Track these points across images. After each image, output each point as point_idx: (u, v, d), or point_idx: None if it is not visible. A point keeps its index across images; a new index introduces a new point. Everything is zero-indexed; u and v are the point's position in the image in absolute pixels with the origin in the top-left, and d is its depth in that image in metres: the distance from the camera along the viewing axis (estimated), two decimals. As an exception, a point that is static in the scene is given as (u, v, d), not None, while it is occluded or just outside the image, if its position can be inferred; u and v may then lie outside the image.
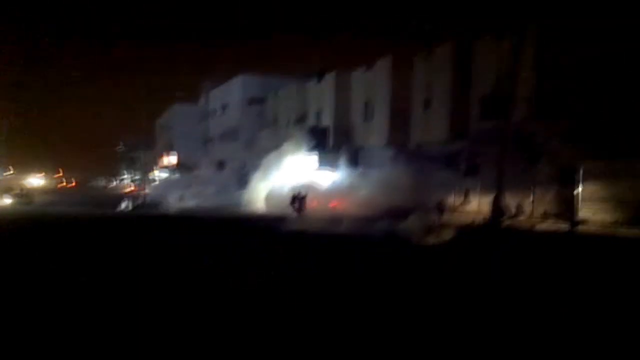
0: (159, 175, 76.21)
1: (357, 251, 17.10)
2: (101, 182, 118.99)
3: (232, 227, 25.57)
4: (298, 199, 29.13)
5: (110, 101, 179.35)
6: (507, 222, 23.81)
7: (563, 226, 23.32)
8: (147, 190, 48.13)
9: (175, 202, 38.88)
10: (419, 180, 28.92)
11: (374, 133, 36.59)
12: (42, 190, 68.75)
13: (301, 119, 45.35)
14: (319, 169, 36.38)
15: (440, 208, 25.22)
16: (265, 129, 49.82)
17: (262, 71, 57.60)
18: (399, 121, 34.26)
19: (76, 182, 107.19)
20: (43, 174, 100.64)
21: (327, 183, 34.55)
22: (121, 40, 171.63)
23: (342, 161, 34.98)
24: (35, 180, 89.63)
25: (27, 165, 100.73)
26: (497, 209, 24.14)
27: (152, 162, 77.44)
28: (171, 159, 72.63)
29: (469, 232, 22.12)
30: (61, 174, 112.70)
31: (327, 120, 41.42)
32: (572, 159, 25.06)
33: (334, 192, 32.49)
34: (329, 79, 41.88)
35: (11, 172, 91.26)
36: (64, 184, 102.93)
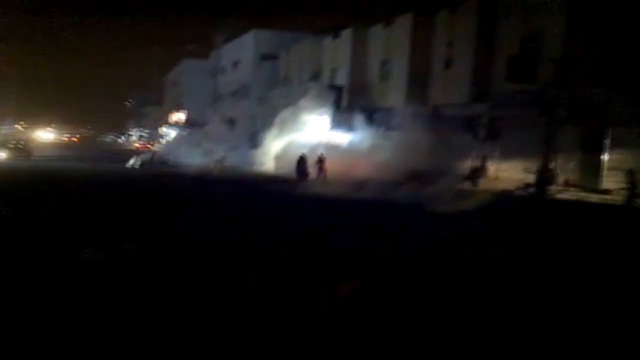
0: (167, 131, 75.35)
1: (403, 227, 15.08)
2: (109, 138, 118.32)
3: (246, 190, 24.83)
4: (318, 162, 28.13)
5: (120, 55, 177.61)
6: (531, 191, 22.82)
7: (590, 196, 22.43)
8: (156, 147, 47.19)
9: (185, 160, 38.13)
10: (438, 144, 27.83)
11: (391, 93, 35.34)
12: (48, 145, 68.16)
13: (315, 77, 44.02)
14: (332, 129, 35.32)
15: (475, 174, 23.71)
16: (278, 87, 48.67)
17: (276, 27, 55.83)
18: (418, 81, 32.97)
19: (80, 138, 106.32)
20: (53, 127, 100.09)
21: (342, 144, 33.51)
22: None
23: (357, 122, 33.76)
24: (45, 134, 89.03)
25: (39, 119, 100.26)
26: (543, 177, 23.02)
27: (161, 119, 76.44)
28: (180, 116, 71.68)
29: (511, 201, 20.30)
30: (71, 130, 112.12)
31: (342, 79, 40.06)
32: (599, 125, 23.96)
33: (349, 154, 31.41)
34: (346, 35, 40.42)
35: (22, 125, 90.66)
36: (71, 138, 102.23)
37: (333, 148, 32.03)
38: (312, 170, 28.14)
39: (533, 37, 26.98)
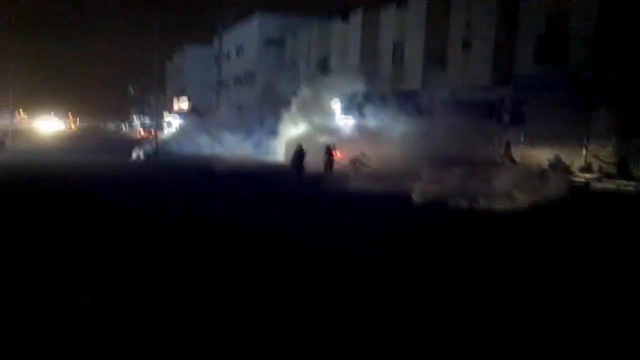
0: (169, 120, 73.86)
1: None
2: (111, 126, 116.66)
3: (258, 182, 23.28)
4: (327, 153, 25.94)
5: (121, 41, 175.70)
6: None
7: (630, 185, 20.83)
8: (160, 136, 45.38)
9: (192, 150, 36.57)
10: (458, 130, 26.10)
11: (406, 77, 33.55)
12: (48, 135, 66.61)
13: (323, 62, 42.25)
14: (344, 116, 33.66)
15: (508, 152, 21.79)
16: (284, 73, 46.90)
17: (280, 10, 53.91)
18: (435, 64, 31.20)
19: (77, 127, 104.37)
20: (53, 116, 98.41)
21: (354, 132, 31.87)
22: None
23: (370, 108, 32.02)
24: (46, 123, 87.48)
25: (39, 107, 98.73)
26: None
27: (163, 107, 74.77)
28: (182, 104, 70.08)
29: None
30: (71, 118, 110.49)
31: (352, 64, 38.20)
32: (634, 109, 22.29)
33: (361, 142, 29.76)
34: (355, 18, 38.56)
35: (21, 114, 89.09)
36: (70, 126, 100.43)
37: (343, 136, 30.46)
38: (320, 162, 25.84)
39: (561, 15, 25.19)
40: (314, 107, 32.51)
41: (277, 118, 34.61)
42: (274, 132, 34.38)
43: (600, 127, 23.19)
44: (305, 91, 34.03)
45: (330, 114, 33.11)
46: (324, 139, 27.75)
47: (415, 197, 17.35)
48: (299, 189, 21.61)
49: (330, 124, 31.98)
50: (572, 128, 23.63)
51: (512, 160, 22.38)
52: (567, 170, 22.27)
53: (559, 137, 23.83)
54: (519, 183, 16.09)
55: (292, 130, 31.98)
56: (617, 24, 22.83)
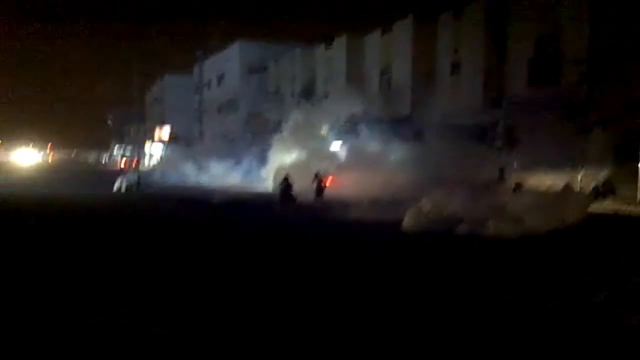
0: (150, 150, 72.85)
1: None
2: (92, 157, 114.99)
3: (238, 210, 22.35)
4: (316, 180, 25.05)
5: (99, 72, 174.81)
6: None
7: (631, 209, 20.28)
8: (142, 167, 44.36)
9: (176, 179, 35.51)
10: (450, 155, 25.53)
11: (394, 102, 33.04)
12: (20, 167, 65.20)
13: (308, 90, 41.72)
14: (332, 143, 32.98)
15: (519, 189, 21.03)
16: (268, 100, 46.34)
17: (261, 39, 53.46)
18: (423, 89, 30.76)
19: (55, 158, 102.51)
20: (31, 148, 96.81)
21: (343, 159, 31.20)
22: (111, 7, 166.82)
23: (358, 135, 31.42)
24: (21, 155, 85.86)
25: (15, 139, 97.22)
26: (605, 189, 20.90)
27: (144, 137, 73.74)
28: (164, 133, 69.15)
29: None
30: (50, 148, 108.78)
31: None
32: (631, 129, 21.88)
33: (352, 169, 29.10)
34: (340, 44, 38.23)
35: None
36: (48, 159, 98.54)
37: (338, 162, 29.79)
38: (310, 190, 24.94)
39: (551, 36, 24.93)
40: (307, 132, 31.66)
41: (265, 145, 33.86)
42: (263, 160, 33.58)
43: (597, 149, 22.76)
44: (297, 116, 33.26)
45: (324, 139, 32.30)
46: (321, 165, 26.92)
47: (407, 224, 16.48)
48: (287, 220, 20.79)
49: (324, 149, 31.17)
50: (566, 150, 23.17)
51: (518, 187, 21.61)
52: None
53: (553, 160, 23.33)
54: (532, 207, 15.30)
55: (284, 157, 31.14)
56: (609, 43, 22.58)
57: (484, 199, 17.03)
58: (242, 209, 23.11)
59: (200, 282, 9.76)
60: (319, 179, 25.05)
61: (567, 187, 18.48)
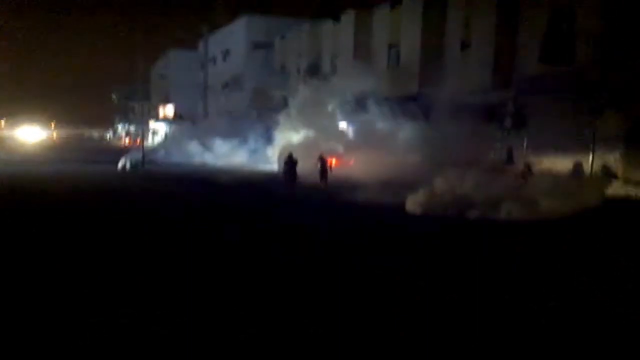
0: (156, 126, 72.46)
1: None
2: (96, 135, 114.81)
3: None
4: (320, 162, 24.28)
5: (104, 49, 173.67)
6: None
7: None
8: (146, 145, 44.01)
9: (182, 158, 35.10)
10: (458, 136, 25.00)
11: (402, 80, 32.28)
12: (24, 144, 64.97)
13: (314, 66, 41.00)
14: (338, 122, 32.38)
15: (527, 172, 20.43)
16: (273, 76, 45.64)
17: (267, 13, 52.60)
18: (432, 66, 29.98)
19: (59, 136, 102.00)
20: (35, 125, 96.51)
21: (349, 139, 30.69)
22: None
23: (365, 114, 30.77)
24: (25, 132, 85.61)
25: (21, 115, 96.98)
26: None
27: (149, 114, 73.32)
28: (168, 110, 68.66)
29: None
30: (54, 127, 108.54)
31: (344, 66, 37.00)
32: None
33: (358, 150, 28.62)
34: (347, 19, 37.39)
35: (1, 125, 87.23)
36: (52, 137, 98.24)
37: (344, 142, 29.31)
38: (314, 170, 24.37)
39: (565, 13, 24.15)
40: (314, 111, 30.97)
41: (270, 123, 33.35)
42: (269, 139, 33.08)
43: (609, 130, 22.15)
44: (303, 93, 32.53)
45: (331, 117, 31.60)
46: (327, 145, 26.44)
47: (411, 207, 16.12)
48: (289, 198, 20.46)
49: (331, 129, 30.50)
50: (577, 132, 22.61)
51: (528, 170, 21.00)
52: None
53: (564, 142, 22.78)
54: (547, 191, 14.81)
55: (290, 135, 30.59)
56: (625, 21, 21.83)
57: (491, 181, 16.55)
58: (247, 190, 22.79)
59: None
60: (323, 161, 24.44)
61: (579, 167, 18.00)
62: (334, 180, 23.92)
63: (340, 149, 28.31)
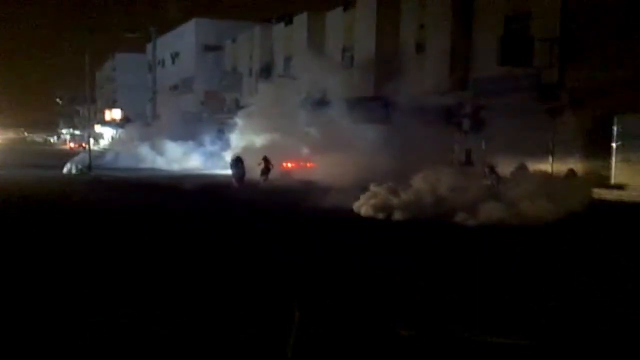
0: (100, 131, 70.51)
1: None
2: (41, 138, 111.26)
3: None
4: (263, 162, 24.84)
5: (48, 51, 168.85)
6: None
7: (602, 192, 19.59)
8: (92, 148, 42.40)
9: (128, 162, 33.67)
10: (415, 138, 24.50)
11: (355, 82, 31.63)
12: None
13: (266, 69, 40.17)
14: (299, 123, 31.51)
15: (491, 173, 19.90)
16: (225, 79, 44.68)
17: (217, 16, 51.83)
18: (386, 68, 29.49)
19: (1, 134, 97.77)
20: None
21: (300, 141, 29.84)
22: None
23: (319, 116, 29.99)
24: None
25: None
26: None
27: (94, 117, 71.13)
28: (114, 114, 66.75)
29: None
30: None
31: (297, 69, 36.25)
32: (604, 111, 21.17)
33: (309, 152, 28.00)
34: (300, 21, 36.76)
35: None
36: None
37: (286, 146, 28.56)
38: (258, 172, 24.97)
39: (521, 15, 24.02)
40: (275, 112, 30.17)
41: (225, 126, 32.37)
42: (226, 142, 32.07)
43: (568, 131, 22.03)
44: (258, 96, 31.68)
45: (292, 118, 30.73)
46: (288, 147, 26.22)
47: (358, 209, 15.57)
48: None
49: (294, 130, 29.66)
50: (536, 133, 22.44)
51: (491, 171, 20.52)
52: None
53: (522, 143, 22.53)
54: (530, 193, 14.32)
55: (251, 138, 29.73)
56: (582, 23, 21.79)
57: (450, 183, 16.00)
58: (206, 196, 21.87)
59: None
60: (267, 161, 24.99)
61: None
62: (284, 183, 24.04)
63: (302, 150, 27.74)
